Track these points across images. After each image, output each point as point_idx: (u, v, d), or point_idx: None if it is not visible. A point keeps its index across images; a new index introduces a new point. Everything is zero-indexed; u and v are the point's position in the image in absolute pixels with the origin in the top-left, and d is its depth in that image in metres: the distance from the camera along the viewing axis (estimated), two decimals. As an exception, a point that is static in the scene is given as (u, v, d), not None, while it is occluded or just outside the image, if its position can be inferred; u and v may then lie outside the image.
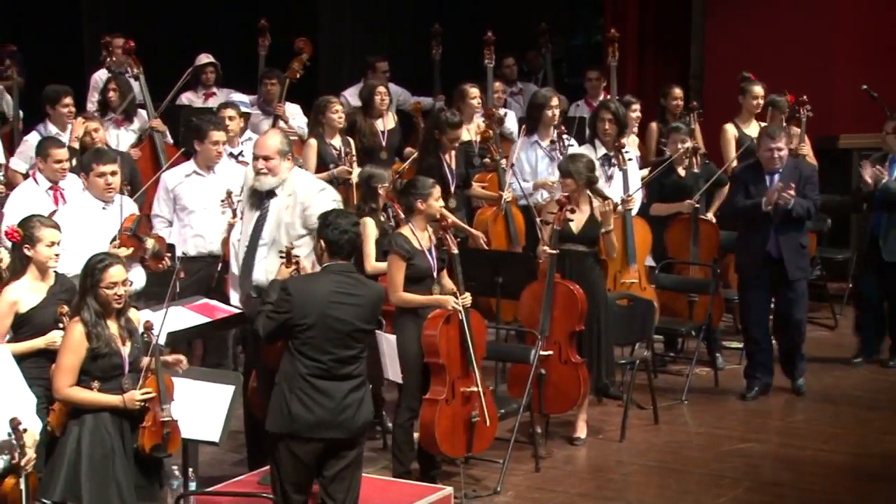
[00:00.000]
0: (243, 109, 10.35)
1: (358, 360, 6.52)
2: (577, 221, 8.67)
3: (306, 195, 7.49)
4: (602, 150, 9.93)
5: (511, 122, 11.77)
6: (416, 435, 7.90)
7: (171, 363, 6.64)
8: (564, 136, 10.17)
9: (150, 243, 7.90)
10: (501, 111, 11.70)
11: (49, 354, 6.60)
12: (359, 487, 6.67)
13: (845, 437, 9.01)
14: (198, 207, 8.74)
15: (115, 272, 6.39)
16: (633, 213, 9.87)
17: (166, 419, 6.41)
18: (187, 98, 11.45)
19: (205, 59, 11.58)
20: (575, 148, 9.98)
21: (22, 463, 5.82)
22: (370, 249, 8.46)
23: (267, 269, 7.41)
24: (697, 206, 10.14)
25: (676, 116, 11.22)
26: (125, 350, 6.42)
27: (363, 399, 6.53)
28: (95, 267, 6.38)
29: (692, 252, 10.22)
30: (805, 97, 11.08)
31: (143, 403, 6.36)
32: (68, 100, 10.12)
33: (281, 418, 6.46)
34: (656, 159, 10.63)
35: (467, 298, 7.70)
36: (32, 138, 9.88)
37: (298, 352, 6.43)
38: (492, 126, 10.68)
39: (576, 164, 8.73)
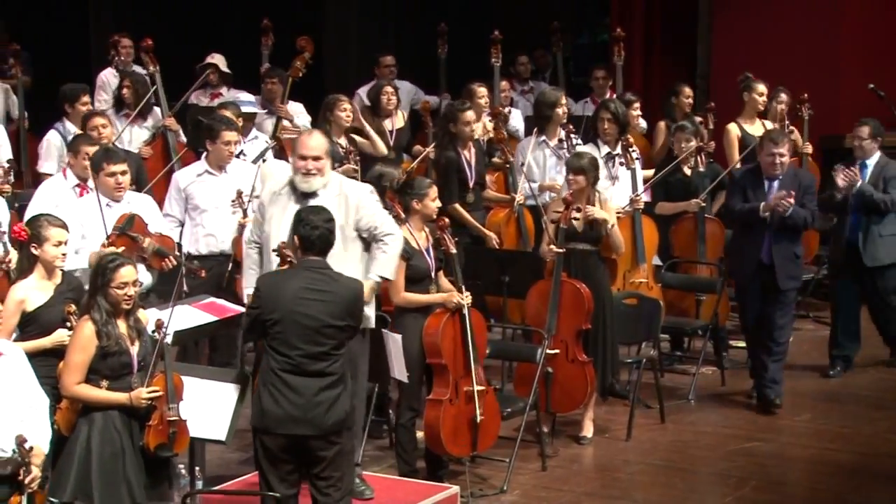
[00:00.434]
0: (250, 109, 10.35)
1: (330, 358, 6.46)
2: (581, 220, 8.69)
3: (359, 198, 7.30)
4: (605, 149, 9.93)
5: (516, 121, 11.78)
6: (419, 434, 7.91)
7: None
8: (572, 136, 10.17)
9: (146, 242, 7.90)
10: (506, 109, 11.70)
11: (57, 353, 6.60)
12: (349, 485, 6.64)
13: (852, 436, 9.00)
14: (209, 207, 8.75)
15: (126, 272, 6.42)
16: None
17: (173, 418, 6.42)
18: (195, 97, 11.46)
19: (209, 59, 11.59)
20: (581, 147, 9.98)
21: (27, 481, 5.82)
22: None
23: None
24: (704, 204, 10.13)
25: (687, 115, 11.20)
26: (134, 349, 6.43)
27: (337, 398, 6.47)
28: (107, 267, 6.40)
29: (698, 251, 10.21)
30: (806, 95, 11.08)
31: (150, 402, 6.37)
32: (87, 98, 10.19)
33: (255, 412, 6.53)
34: (662, 159, 10.62)
35: (468, 297, 7.71)
36: (53, 137, 9.93)
37: (270, 347, 6.47)
38: (499, 125, 10.69)
39: (586, 162, 8.75)
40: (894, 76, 12.14)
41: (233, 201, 8.69)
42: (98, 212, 7.79)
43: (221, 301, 7.91)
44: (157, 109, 10.73)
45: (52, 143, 9.91)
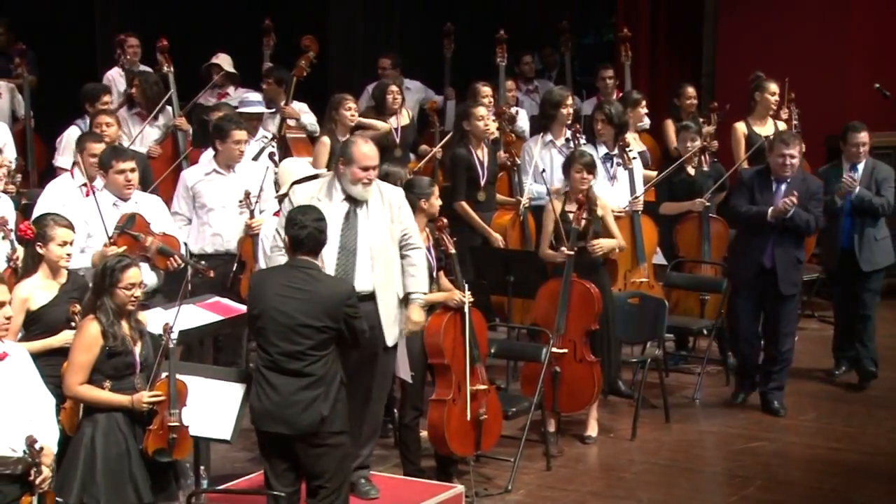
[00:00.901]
0: (256, 109, 10.37)
1: (308, 358, 6.46)
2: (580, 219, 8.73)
3: (400, 203, 7.37)
4: (603, 150, 9.93)
5: (523, 121, 11.78)
6: (423, 433, 7.91)
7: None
8: (579, 135, 10.17)
9: (149, 241, 7.90)
10: (513, 109, 11.70)
11: (63, 353, 6.60)
12: (339, 489, 6.61)
13: (857, 436, 9.00)
14: (216, 206, 8.78)
15: (133, 274, 6.43)
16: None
17: (174, 424, 6.39)
18: (203, 98, 11.48)
19: (214, 59, 11.61)
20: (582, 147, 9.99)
21: (37, 482, 5.83)
22: None
23: (374, 279, 7.20)
24: (708, 204, 10.13)
25: (690, 115, 11.20)
26: (137, 349, 6.44)
27: (313, 400, 6.46)
28: (115, 268, 6.40)
29: (703, 250, 10.21)
30: (793, 95, 11.05)
31: (150, 406, 6.37)
32: (107, 98, 10.28)
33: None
34: (670, 158, 10.62)
35: (468, 297, 7.72)
36: (73, 132, 9.97)
37: (257, 343, 6.59)
38: (502, 125, 10.68)
39: (592, 159, 8.81)
40: (901, 76, 12.14)
41: (240, 202, 8.70)
42: (105, 211, 7.81)
43: (226, 301, 7.92)
44: (168, 109, 10.76)
45: (70, 138, 9.86)
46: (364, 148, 7.26)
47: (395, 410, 8.53)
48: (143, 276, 7.42)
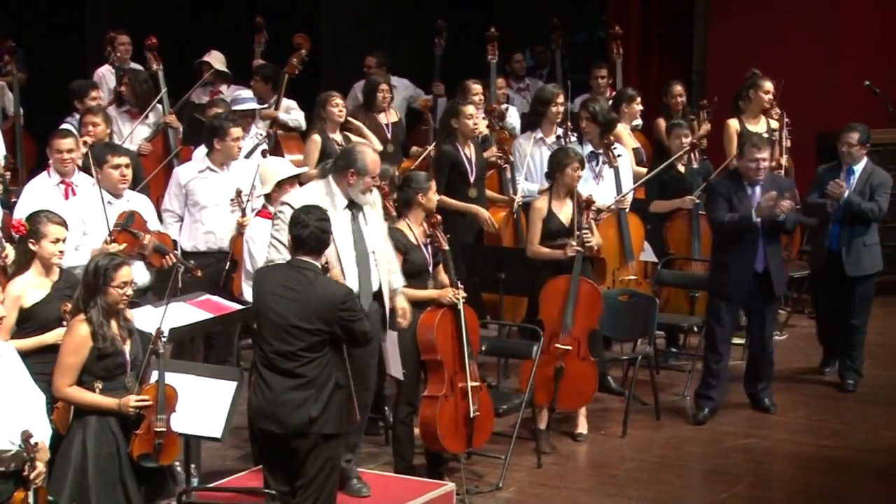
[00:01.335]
0: (251, 106, 10.37)
1: (300, 359, 6.46)
2: (566, 216, 8.73)
3: (380, 201, 7.52)
4: (588, 148, 9.92)
5: (513, 118, 11.78)
6: (416, 430, 7.92)
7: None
8: (570, 133, 10.17)
9: (147, 239, 7.91)
10: (503, 106, 11.70)
11: (55, 350, 6.56)
12: (321, 492, 6.60)
13: (847, 433, 9.01)
14: (209, 203, 8.79)
15: (125, 272, 6.42)
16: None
17: (160, 430, 6.35)
18: (195, 95, 11.47)
19: (205, 57, 11.59)
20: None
21: (32, 476, 5.82)
22: None
23: (382, 278, 7.29)
24: (698, 201, 10.13)
25: (678, 113, 11.20)
26: (126, 348, 6.43)
27: (303, 401, 6.45)
28: (107, 266, 6.38)
29: (693, 248, 10.22)
30: (776, 93, 11.06)
31: (137, 410, 6.35)
32: (95, 93, 10.29)
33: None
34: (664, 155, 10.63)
35: (462, 293, 7.72)
36: None
37: (254, 339, 6.60)
38: (492, 122, 10.68)
39: (581, 156, 8.85)
40: (892, 74, 12.14)
41: (232, 200, 8.70)
42: (100, 208, 7.82)
43: (217, 298, 7.92)
44: (158, 107, 10.75)
45: None
46: (374, 157, 7.30)
47: (387, 408, 8.54)
48: (136, 274, 7.46)
